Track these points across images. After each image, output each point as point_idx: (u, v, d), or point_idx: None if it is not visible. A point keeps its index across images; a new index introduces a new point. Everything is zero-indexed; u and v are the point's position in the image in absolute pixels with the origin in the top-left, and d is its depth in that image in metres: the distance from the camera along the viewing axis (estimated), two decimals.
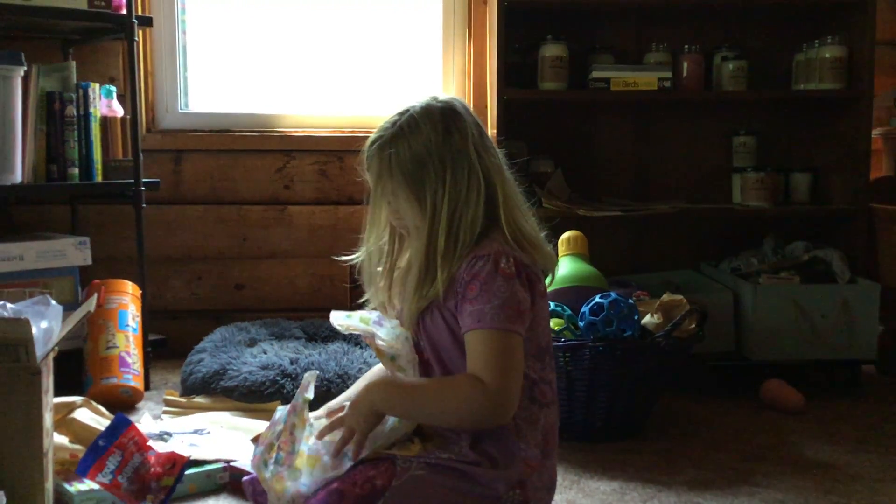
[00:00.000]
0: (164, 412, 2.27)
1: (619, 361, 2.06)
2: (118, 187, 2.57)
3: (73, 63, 2.62)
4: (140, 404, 2.38)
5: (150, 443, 1.66)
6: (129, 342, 2.43)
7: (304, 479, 1.42)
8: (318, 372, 1.56)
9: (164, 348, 2.71)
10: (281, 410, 1.48)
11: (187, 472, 1.72)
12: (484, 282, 1.36)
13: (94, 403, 1.95)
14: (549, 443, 1.46)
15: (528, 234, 1.44)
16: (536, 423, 1.43)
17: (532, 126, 2.83)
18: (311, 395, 1.48)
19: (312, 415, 1.50)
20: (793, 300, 2.48)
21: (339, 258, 1.60)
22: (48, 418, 1.54)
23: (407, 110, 1.45)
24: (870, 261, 2.66)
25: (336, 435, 1.44)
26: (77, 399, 1.93)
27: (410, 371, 1.46)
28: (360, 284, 1.56)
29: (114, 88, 2.65)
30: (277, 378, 2.29)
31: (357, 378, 2.31)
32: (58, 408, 1.81)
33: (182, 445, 1.88)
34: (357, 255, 1.55)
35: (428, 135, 1.41)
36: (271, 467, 1.43)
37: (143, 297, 2.57)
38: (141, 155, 2.58)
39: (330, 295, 3.00)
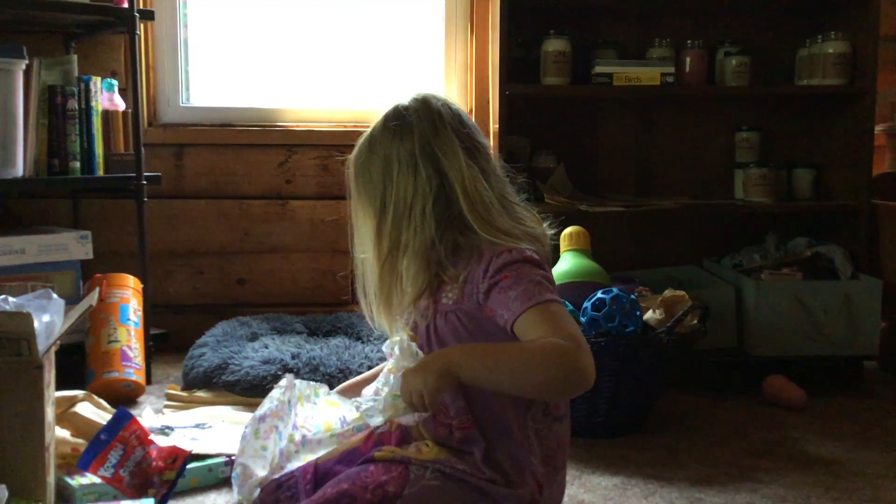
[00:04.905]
0: (166, 406, 2.27)
1: (621, 357, 2.05)
2: (120, 181, 2.57)
3: (75, 57, 2.62)
4: (141, 398, 2.38)
5: (152, 437, 1.66)
6: (130, 336, 2.43)
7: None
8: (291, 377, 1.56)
9: (165, 342, 2.71)
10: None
11: (189, 467, 1.72)
12: (514, 268, 1.34)
13: (95, 397, 1.95)
14: (559, 457, 1.43)
15: (508, 231, 1.40)
16: (547, 436, 1.41)
17: (534, 121, 2.83)
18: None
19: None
20: (795, 296, 2.48)
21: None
22: (50, 412, 1.55)
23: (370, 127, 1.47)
24: (872, 257, 2.66)
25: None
26: (79, 393, 1.93)
27: None
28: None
29: (115, 82, 2.65)
30: (279, 372, 2.29)
31: (358, 372, 2.32)
32: (59, 402, 1.81)
33: (184, 439, 1.88)
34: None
35: (387, 147, 1.41)
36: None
37: (145, 291, 2.57)
38: (142, 149, 2.57)
39: (331, 290, 2.99)
